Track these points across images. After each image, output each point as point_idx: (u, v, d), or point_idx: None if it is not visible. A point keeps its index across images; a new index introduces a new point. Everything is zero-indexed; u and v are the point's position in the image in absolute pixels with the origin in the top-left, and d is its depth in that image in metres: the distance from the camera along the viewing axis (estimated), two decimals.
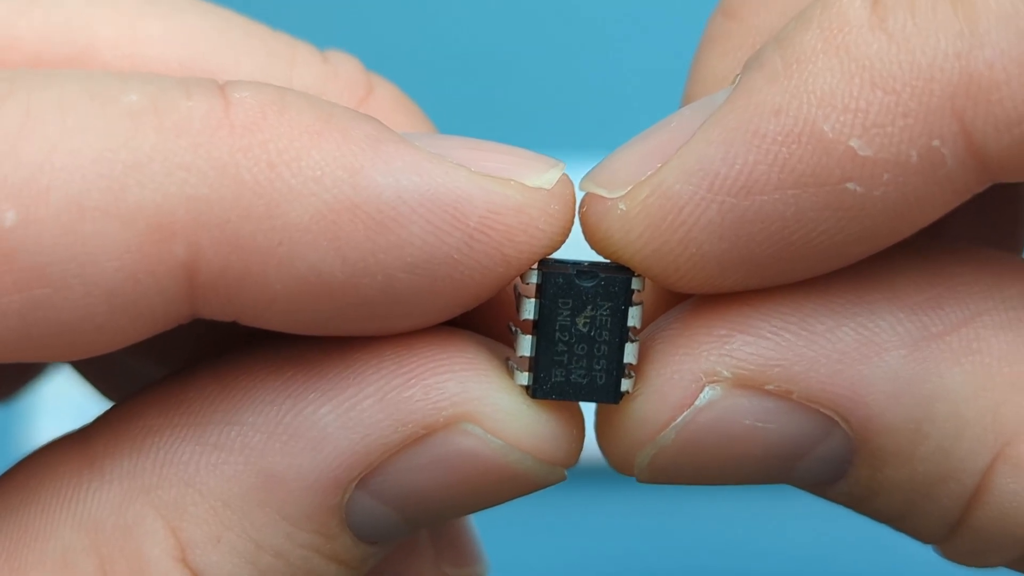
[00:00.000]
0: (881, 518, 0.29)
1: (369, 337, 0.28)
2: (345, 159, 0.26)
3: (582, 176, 0.28)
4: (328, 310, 0.27)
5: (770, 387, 0.28)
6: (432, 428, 0.28)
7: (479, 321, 0.30)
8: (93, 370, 0.36)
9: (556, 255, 0.28)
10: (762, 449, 0.28)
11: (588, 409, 0.29)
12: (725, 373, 0.28)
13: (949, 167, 0.26)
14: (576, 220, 0.28)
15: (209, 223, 0.26)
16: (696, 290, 0.28)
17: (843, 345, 0.28)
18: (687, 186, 0.27)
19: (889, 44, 0.26)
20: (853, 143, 0.26)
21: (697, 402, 0.28)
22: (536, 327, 0.28)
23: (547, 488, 0.29)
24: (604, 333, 0.28)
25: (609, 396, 0.28)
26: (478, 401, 0.28)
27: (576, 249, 0.28)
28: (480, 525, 0.35)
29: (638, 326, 0.28)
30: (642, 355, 0.28)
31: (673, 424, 0.28)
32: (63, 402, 0.56)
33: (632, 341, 0.28)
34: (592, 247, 0.28)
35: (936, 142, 0.26)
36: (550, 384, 0.28)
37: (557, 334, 0.28)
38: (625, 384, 0.28)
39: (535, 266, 0.28)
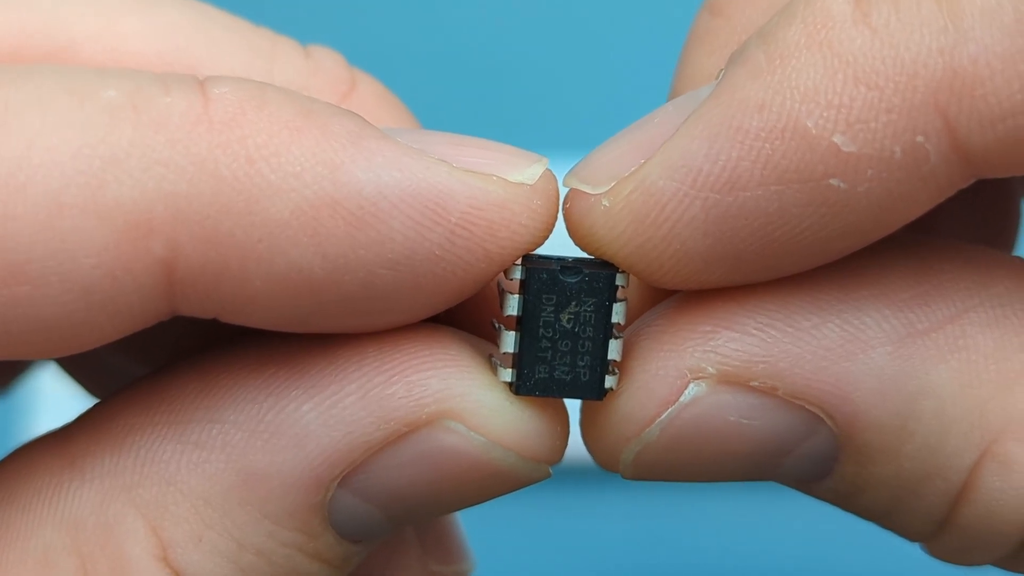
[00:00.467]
0: (867, 515, 0.29)
1: (351, 334, 0.28)
2: (325, 155, 0.26)
3: (566, 172, 0.28)
4: (309, 307, 0.27)
5: (755, 383, 0.28)
6: (415, 425, 0.28)
7: (462, 317, 0.29)
8: (76, 367, 0.36)
9: (540, 251, 0.28)
10: (747, 446, 0.28)
11: (573, 406, 0.29)
12: (710, 369, 0.28)
13: (933, 163, 0.26)
14: (560, 216, 0.28)
15: (188, 219, 0.26)
16: (680, 286, 0.28)
17: (829, 341, 0.28)
18: (671, 182, 0.27)
19: (873, 39, 0.26)
20: (836, 139, 0.26)
21: (682, 398, 0.28)
22: (520, 323, 0.28)
23: (532, 485, 0.29)
24: (588, 329, 0.28)
25: (593, 393, 0.28)
26: (461, 398, 0.28)
27: (560, 245, 0.28)
28: (467, 522, 0.35)
29: (622, 322, 0.28)
30: (627, 351, 0.28)
31: (658, 420, 0.28)
32: (61, 398, 0.56)
33: (616, 337, 0.28)
34: (576, 243, 0.28)
35: (920, 138, 0.26)
36: (533, 381, 0.28)
37: (541, 330, 0.28)
38: (609, 381, 0.28)
39: (519, 262, 0.28)
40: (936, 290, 0.28)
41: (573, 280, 0.28)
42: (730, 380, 0.28)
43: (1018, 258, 0.29)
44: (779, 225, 0.26)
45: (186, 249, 0.26)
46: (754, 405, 0.28)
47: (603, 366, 0.28)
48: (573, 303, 0.28)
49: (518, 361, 0.28)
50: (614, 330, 0.28)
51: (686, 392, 0.28)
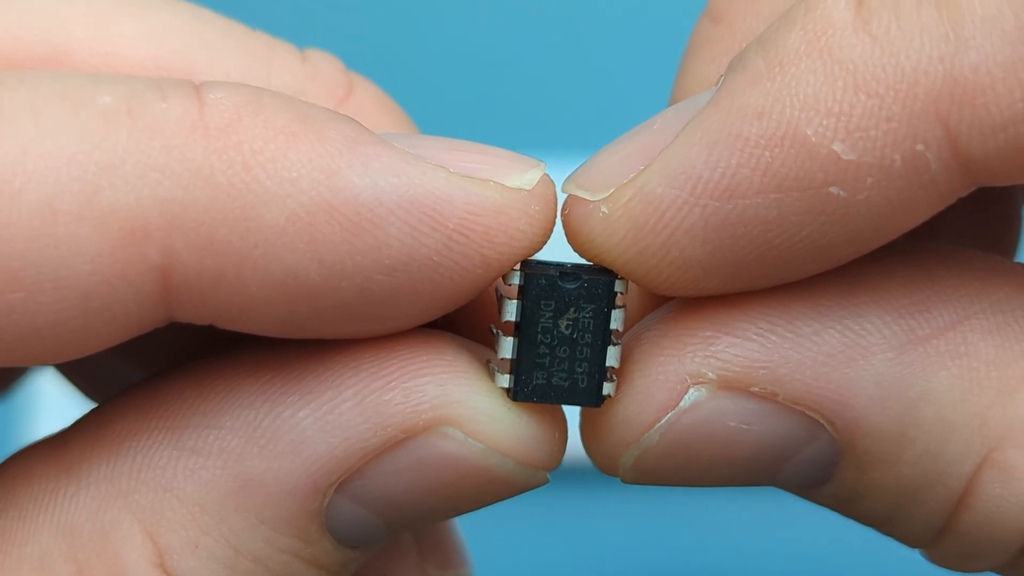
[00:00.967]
0: (867, 521, 0.29)
1: (348, 340, 0.28)
2: (322, 160, 0.26)
3: (565, 175, 0.28)
4: (306, 313, 0.27)
5: (755, 389, 0.28)
6: (412, 431, 0.28)
7: (460, 323, 0.29)
8: (74, 371, 0.36)
9: (539, 256, 0.28)
10: (747, 451, 0.28)
11: (572, 411, 0.29)
12: (710, 375, 0.28)
13: (933, 171, 0.26)
14: (559, 221, 0.28)
15: (183, 226, 0.26)
16: (679, 293, 0.28)
17: (829, 347, 0.28)
18: (669, 189, 0.27)
19: (873, 47, 0.26)
20: (836, 147, 0.26)
21: (682, 403, 0.28)
22: (518, 329, 0.28)
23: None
24: (587, 336, 0.28)
25: (591, 399, 0.28)
26: (458, 404, 0.28)
27: (559, 251, 0.28)
28: (465, 524, 0.35)
29: (621, 329, 0.28)
30: (626, 356, 0.28)
31: (658, 425, 0.28)
32: (60, 401, 0.56)
33: (615, 344, 0.28)
34: (575, 250, 0.28)
35: (920, 146, 0.26)
36: (531, 387, 0.28)
37: (539, 336, 0.28)
38: (607, 388, 0.28)
39: (517, 267, 0.28)
40: (937, 296, 0.28)
41: (572, 286, 0.28)
42: (730, 385, 0.28)
43: (1019, 265, 0.29)
44: (778, 233, 0.26)
45: (182, 255, 0.26)
46: (754, 410, 0.28)
47: (601, 373, 0.28)
48: (572, 309, 0.28)
49: (516, 367, 0.28)
50: (613, 337, 0.28)
51: (686, 397, 0.28)
